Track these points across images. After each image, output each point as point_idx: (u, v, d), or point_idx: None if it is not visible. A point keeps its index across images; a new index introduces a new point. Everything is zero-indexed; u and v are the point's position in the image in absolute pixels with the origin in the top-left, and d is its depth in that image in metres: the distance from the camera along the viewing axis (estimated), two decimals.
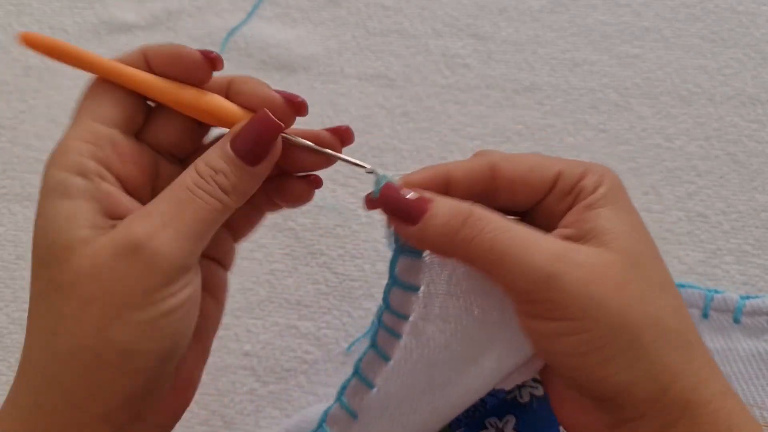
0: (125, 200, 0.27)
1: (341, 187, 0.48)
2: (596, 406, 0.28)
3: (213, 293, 0.32)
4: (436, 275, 0.31)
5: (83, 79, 0.54)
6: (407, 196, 0.28)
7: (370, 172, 0.30)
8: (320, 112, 0.51)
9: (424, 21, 0.54)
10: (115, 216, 0.27)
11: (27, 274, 0.47)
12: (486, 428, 0.36)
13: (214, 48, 0.54)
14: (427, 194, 0.28)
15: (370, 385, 0.33)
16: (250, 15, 0.54)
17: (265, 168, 0.28)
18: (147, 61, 0.28)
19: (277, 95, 0.29)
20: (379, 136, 0.50)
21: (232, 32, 0.54)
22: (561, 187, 0.29)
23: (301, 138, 0.30)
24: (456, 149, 0.49)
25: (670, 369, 0.26)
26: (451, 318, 0.31)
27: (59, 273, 0.25)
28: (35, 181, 0.49)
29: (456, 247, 0.27)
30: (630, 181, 0.47)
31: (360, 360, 0.33)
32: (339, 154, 0.30)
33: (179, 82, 0.29)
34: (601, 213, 0.28)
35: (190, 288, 0.27)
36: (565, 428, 0.29)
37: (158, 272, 0.25)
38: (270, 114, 0.28)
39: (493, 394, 0.34)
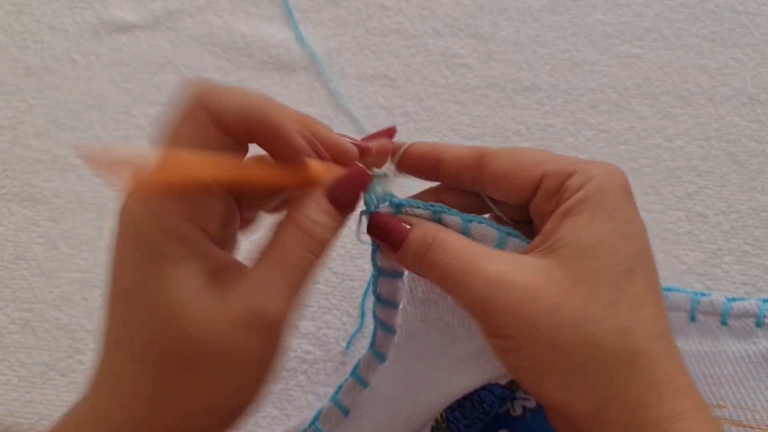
0: (221, 255, 0.28)
1: None
2: None
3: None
4: None
5: (83, 79, 0.55)
6: (395, 222, 0.30)
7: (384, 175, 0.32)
8: (320, 113, 0.51)
9: (424, 21, 0.54)
10: (214, 273, 0.26)
11: (27, 273, 0.47)
12: None
13: (214, 48, 0.54)
14: (412, 220, 0.30)
15: (365, 385, 0.35)
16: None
17: (351, 213, 0.29)
18: (247, 126, 0.26)
19: (353, 148, 0.30)
20: None
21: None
22: (546, 188, 0.29)
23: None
24: None
25: (605, 391, 0.26)
26: (431, 304, 0.34)
27: (171, 340, 0.25)
28: (35, 181, 0.49)
29: (423, 272, 0.29)
30: (630, 181, 0.47)
31: (359, 362, 0.35)
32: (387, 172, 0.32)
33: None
34: (572, 222, 0.28)
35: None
36: (557, 430, 0.30)
37: (279, 341, 0.27)
38: (364, 168, 0.30)
39: (489, 389, 0.34)
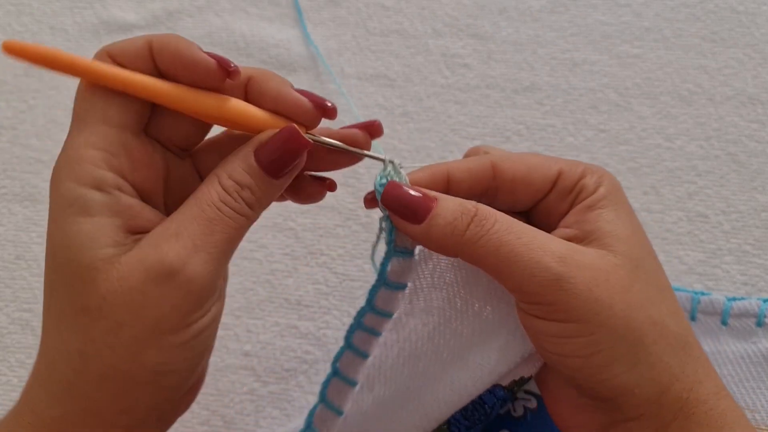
0: (146, 212, 0.26)
1: (341, 187, 0.48)
2: (594, 405, 0.28)
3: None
4: (421, 270, 0.31)
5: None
6: (412, 194, 0.28)
7: (388, 161, 0.29)
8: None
9: (424, 21, 0.54)
10: (136, 230, 0.26)
11: (27, 273, 0.47)
12: None
13: (214, 48, 0.54)
14: (432, 193, 0.28)
15: (352, 383, 0.34)
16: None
17: (287, 179, 0.28)
18: (152, 57, 0.26)
19: (305, 101, 0.28)
20: None
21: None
22: (562, 186, 0.29)
23: (330, 138, 0.29)
24: (456, 149, 0.49)
25: (669, 370, 0.26)
26: (434, 310, 0.32)
27: (84, 295, 0.25)
28: (35, 181, 0.49)
29: (462, 247, 0.27)
30: (630, 181, 0.47)
31: (337, 360, 0.34)
32: (362, 151, 0.29)
33: (188, 85, 0.27)
34: (602, 214, 0.28)
35: (218, 304, 0.27)
36: (560, 428, 0.30)
37: (192, 297, 0.25)
38: (299, 131, 0.27)
39: (491, 391, 0.34)
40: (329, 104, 0.29)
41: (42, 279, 0.46)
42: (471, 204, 0.27)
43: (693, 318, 0.38)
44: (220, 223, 0.26)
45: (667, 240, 0.45)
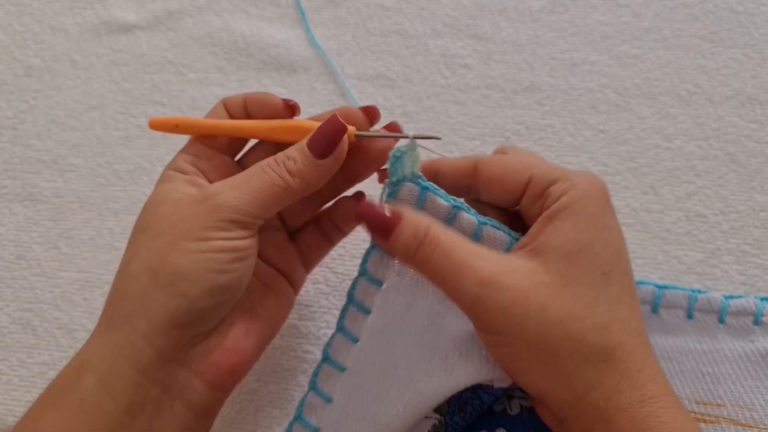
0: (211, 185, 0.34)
1: None
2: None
3: (276, 295, 0.37)
4: None
5: (83, 79, 0.55)
6: (380, 213, 0.32)
7: (437, 138, 0.34)
8: (320, 113, 0.51)
9: (424, 21, 0.54)
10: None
11: (28, 273, 0.47)
12: None
13: (214, 48, 0.54)
14: (402, 210, 0.32)
15: (341, 368, 0.36)
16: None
17: (330, 162, 0.33)
18: (246, 106, 0.37)
19: (355, 108, 0.35)
20: None
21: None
22: (531, 192, 0.32)
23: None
24: (456, 149, 0.49)
25: (585, 380, 0.29)
26: (420, 291, 0.35)
27: (146, 219, 0.33)
28: (35, 181, 0.50)
29: (414, 266, 0.31)
30: (629, 181, 0.48)
31: (328, 345, 0.36)
32: (406, 134, 0.34)
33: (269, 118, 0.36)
34: (558, 226, 0.31)
35: (240, 242, 0.32)
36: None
37: (215, 216, 0.31)
38: (339, 117, 0.33)
39: (488, 391, 0.34)
40: (373, 107, 0.36)
41: (42, 279, 0.46)
42: (424, 227, 0.31)
43: (690, 316, 0.38)
44: (258, 176, 0.33)
45: (666, 240, 0.45)
